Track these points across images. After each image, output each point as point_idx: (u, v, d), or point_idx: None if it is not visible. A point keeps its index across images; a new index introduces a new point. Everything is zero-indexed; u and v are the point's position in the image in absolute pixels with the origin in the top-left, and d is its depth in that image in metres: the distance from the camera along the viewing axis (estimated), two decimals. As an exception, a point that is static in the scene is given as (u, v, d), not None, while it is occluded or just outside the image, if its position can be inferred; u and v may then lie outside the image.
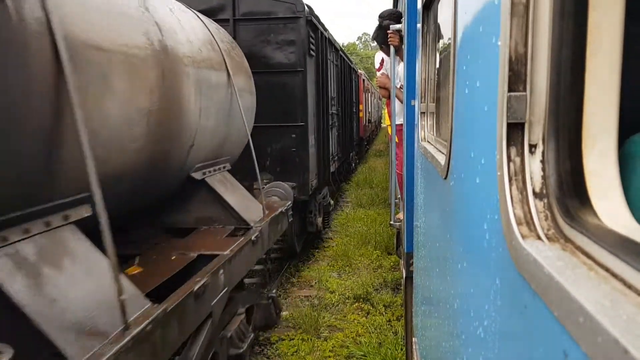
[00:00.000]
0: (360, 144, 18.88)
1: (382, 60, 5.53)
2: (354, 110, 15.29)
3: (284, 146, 6.72)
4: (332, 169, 9.33)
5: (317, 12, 7.67)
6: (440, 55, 2.23)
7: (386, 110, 6.18)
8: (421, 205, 2.62)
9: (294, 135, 6.72)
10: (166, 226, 4.23)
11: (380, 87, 5.39)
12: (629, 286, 0.50)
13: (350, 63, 14.05)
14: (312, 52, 7.08)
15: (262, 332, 5.38)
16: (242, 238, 3.92)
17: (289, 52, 6.60)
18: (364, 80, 19.34)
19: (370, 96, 24.29)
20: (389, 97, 5.11)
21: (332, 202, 9.03)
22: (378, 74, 5.64)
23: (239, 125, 4.70)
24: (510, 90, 0.74)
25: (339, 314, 5.77)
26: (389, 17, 5.01)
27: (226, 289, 3.44)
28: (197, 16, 4.56)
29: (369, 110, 23.04)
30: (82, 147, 2.15)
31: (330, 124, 9.03)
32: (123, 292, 2.14)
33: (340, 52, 11.31)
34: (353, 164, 15.99)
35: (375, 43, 5.47)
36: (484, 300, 0.92)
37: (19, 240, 2.08)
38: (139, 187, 3.34)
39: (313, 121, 7.27)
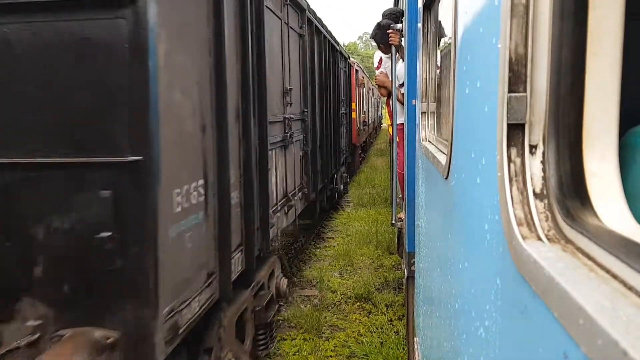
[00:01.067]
0: (354, 153, 14.50)
1: (381, 59, 5.53)
2: (344, 110, 11.37)
3: (82, 224, 2.25)
4: (276, 230, 4.72)
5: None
6: (440, 55, 2.24)
7: (386, 109, 6.15)
8: (422, 205, 2.62)
9: (106, 193, 2.23)
10: None
11: (379, 85, 5.40)
12: (629, 287, 0.50)
13: (335, 44, 9.59)
14: None
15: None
16: None
17: None
18: (357, 71, 14.82)
19: (367, 92, 19.87)
20: (387, 97, 5.11)
21: (286, 289, 4.93)
22: (377, 72, 5.64)
23: None
24: (510, 91, 0.74)
25: (340, 314, 5.77)
26: (389, 16, 5.01)
27: None
28: None
29: (364, 109, 18.06)
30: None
31: (280, 140, 5.04)
32: None
33: (311, 15, 6.75)
34: (342, 186, 11.01)
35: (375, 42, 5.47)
36: (485, 301, 0.92)
37: None
38: None
39: (196, 144, 2.78)
